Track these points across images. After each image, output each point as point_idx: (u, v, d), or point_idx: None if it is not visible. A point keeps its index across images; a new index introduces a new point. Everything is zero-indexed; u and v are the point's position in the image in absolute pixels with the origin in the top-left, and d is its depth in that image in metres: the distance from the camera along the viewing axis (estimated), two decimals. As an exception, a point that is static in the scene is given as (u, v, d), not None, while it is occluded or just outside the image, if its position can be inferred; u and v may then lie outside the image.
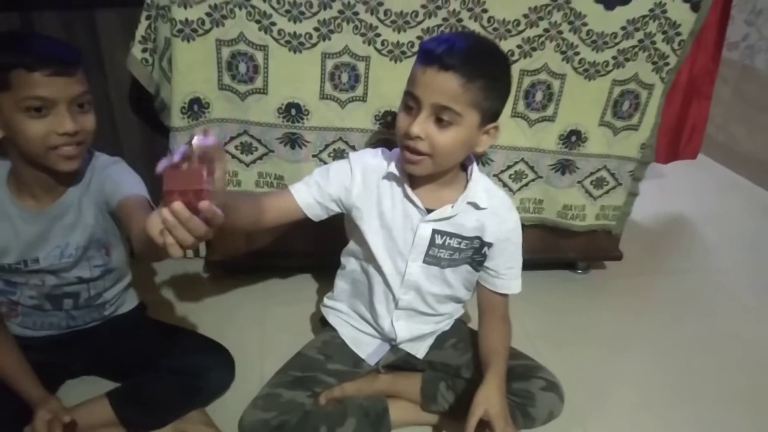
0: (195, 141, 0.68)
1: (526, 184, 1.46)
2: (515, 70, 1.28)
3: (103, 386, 1.14)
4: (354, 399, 1.13)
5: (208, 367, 1.13)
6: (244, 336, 1.35)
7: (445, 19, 1.22)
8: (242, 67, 1.23)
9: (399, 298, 1.10)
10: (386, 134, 1.32)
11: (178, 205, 0.63)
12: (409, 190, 1.02)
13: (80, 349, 1.15)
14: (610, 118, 1.40)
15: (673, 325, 1.54)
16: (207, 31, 1.18)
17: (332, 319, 1.21)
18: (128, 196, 1.00)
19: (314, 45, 1.22)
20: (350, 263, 1.17)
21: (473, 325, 1.21)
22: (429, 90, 0.90)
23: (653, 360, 1.42)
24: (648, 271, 1.78)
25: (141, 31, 1.21)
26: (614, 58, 1.32)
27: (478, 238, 1.06)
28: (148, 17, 1.20)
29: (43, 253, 1.04)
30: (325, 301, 1.24)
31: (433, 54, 0.89)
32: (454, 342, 1.18)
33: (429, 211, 1.03)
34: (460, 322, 1.23)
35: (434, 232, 1.04)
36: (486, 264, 1.10)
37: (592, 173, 1.47)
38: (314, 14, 1.18)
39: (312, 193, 1.06)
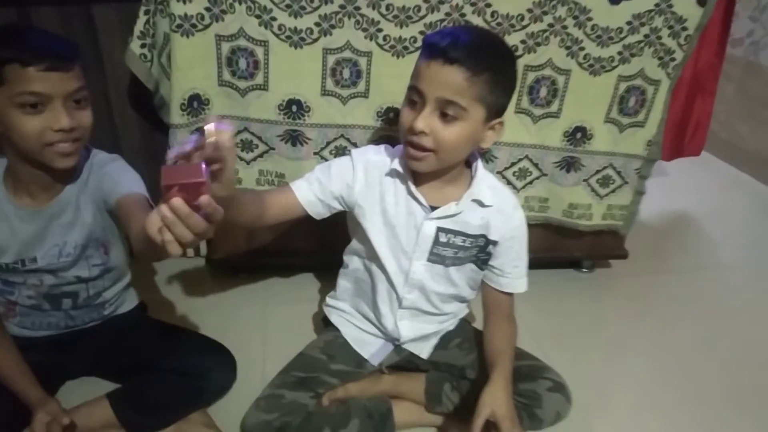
0: (208, 127, 0.66)
1: (531, 182, 1.44)
2: (519, 65, 1.26)
3: (103, 387, 1.13)
4: (357, 400, 1.12)
5: (210, 367, 1.12)
6: (245, 336, 1.34)
7: (448, 14, 1.20)
8: (242, 63, 1.21)
9: (403, 297, 1.09)
10: (389, 131, 1.31)
11: (177, 201, 0.61)
12: (413, 187, 1.01)
13: (80, 350, 1.14)
14: (616, 115, 1.38)
15: (678, 324, 1.53)
16: (206, 26, 1.17)
17: (335, 318, 1.20)
18: (127, 194, 0.99)
19: (315, 40, 1.20)
20: (353, 262, 1.15)
21: (477, 325, 1.19)
22: (433, 84, 0.88)
23: (659, 359, 1.40)
24: (653, 269, 1.76)
25: (139, 26, 1.20)
26: (620, 53, 1.30)
27: (483, 236, 1.04)
28: (146, 12, 1.18)
29: (40, 252, 1.02)
30: (328, 300, 1.23)
31: (438, 47, 0.87)
32: (458, 342, 1.17)
33: (433, 208, 1.02)
34: (465, 322, 1.22)
35: (438, 230, 1.02)
36: (491, 262, 1.08)
37: (598, 171, 1.45)
38: (315, 9, 1.17)
39: (313, 190, 1.04)
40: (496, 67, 0.89)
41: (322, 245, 1.33)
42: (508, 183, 1.42)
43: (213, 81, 1.23)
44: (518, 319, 1.11)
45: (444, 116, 0.90)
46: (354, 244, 1.13)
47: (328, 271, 1.31)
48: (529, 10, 1.22)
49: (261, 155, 1.33)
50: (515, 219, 1.06)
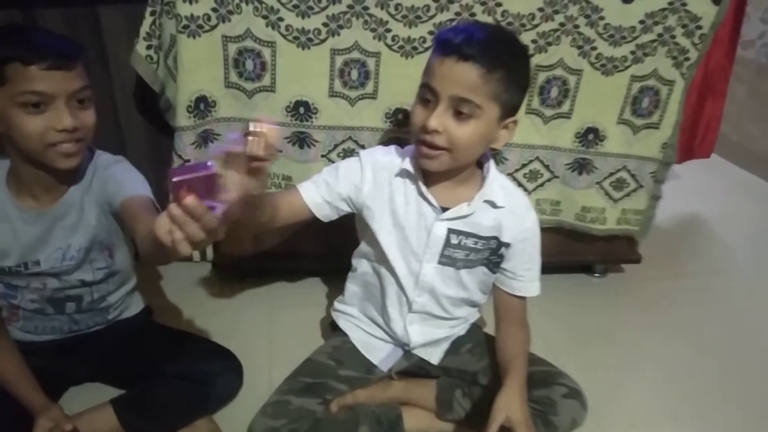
0: (258, 125, 0.65)
1: (542, 184, 1.41)
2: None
3: (107, 393, 1.11)
4: (366, 406, 1.10)
5: (216, 373, 1.10)
6: (252, 341, 1.32)
7: (457, 14, 1.19)
8: (249, 64, 1.20)
9: (413, 301, 1.06)
10: (397, 133, 1.29)
11: (191, 199, 0.59)
12: (423, 188, 0.99)
13: (83, 355, 1.13)
14: (629, 116, 1.35)
15: (694, 329, 1.50)
16: (213, 27, 1.15)
17: (343, 323, 1.18)
18: (132, 196, 0.97)
19: (323, 41, 1.19)
20: (362, 265, 1.13)
21: (489, 330, 1.17)
22: (447, 81, 0.86)
23: (674, 365, 1.38)
24: (667, 274, 1.73)
25: (145, 27, 1.18)
26: (632, 52, 1.28)
27: (495, 238, 1.02)
28: (152, 13, 1.17)
29: (43, 255, 1.01)
30: (336, 305, 1.21)
31: (452, 44, 0.86)
32: (470, 347, 1.14)
33: (444, 209, 0.99)
34: (476, 327, 1.19)
35: (449, 231, 1.00)
36: (503, 265, 1.06)
37: (611, 174, 1.42)
38: (323, 9, 1.16)
39: (321, 192, 1.02)
40: (510, 65, 0.88)
41: (330, 248, 1.31)
42: (519, 185, 1.40)
43: (220, 82, 1.22)
44: (530, 324, 1.09)
45: (458, 114, 0.88)
46: (362, 246, 1.11)
47: (335, 275, 1.30)
48: (540, 9, 1.20)
49: (268, 157, 1.31)
50: (528, 220, 1.04)
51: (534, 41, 1.23)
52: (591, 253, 1.58)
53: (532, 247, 1.06)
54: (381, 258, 1.06)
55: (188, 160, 1.25)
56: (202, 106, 1.22)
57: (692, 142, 1.85)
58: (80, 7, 1.24)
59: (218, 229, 0.62)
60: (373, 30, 1.18)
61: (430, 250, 1.02)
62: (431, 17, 1.18)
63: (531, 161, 1.38)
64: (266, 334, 1.38)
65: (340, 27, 1.18)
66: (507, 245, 1.03)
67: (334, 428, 1.02)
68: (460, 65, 0.85)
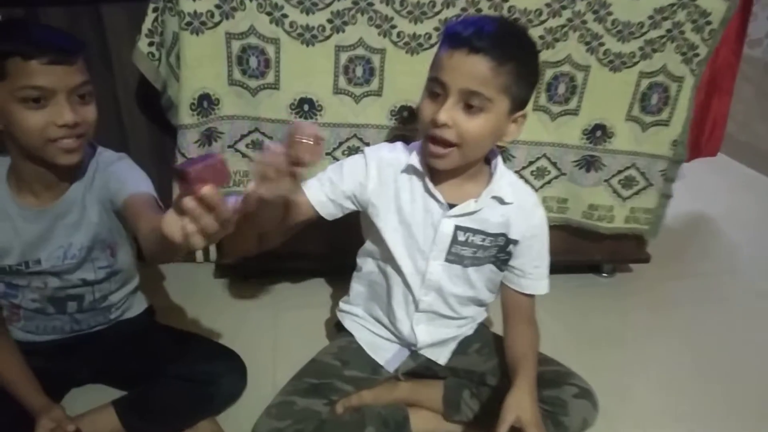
0: (308, 130, 0.67)
1: (549, 182, 1.40)
2: (538, 60, 1.23)
3: (109, 394, 1.10)
4: (372, 407, 1.08)
5: (219, 373, 1.09)
6: (256, 341, 1.31)
7: (463, 9, 1.18)
8: (253, 62, 1.19)
9: (419, 300, 1.05)
10: (403, 130, 1.28)
11: (209, 189, 0.58)
12: (430, 185, 0.97)
13: (85, 355, 1.11)
14: (638, 113, 1.34)
15: (702, 329, 1.49)
16: (216, 24, 1.14)
17: (348, 323, 1.16)
18: (134, 194, 0.96)
19: (327, 37, 1.18)
20: (367, 264, 1.11)
21: (496, 330, 1.15)
22: (457, 74, 0.85)
23: (682, 365, 1.36)
24: (675, 273, 1.72)
25: (147, 23, 1.17)
26: (641, 48, 1.26)
27: (503, 235, 1.01)
28: (155, 9, 1.16)
29: (45, 253, 0.99)
30: (341, 305, 1.19)
31: (461, 37, 0.84)
32: (477, 347, 1.13)
33: (451, 206, 0.98)
34: (484, 327, 1.18)
35: (457, 228, 0.99)
36: (511, 263, 1.04)
37: (620, 171, 1.41)
38: (327, 5, 1.15)
39: (324, 190, 1.00)
40: (520, 58, 0.86)
41: (334, 248, 1.30)
42: (526, 183, 1.38)
43: (223, 80, 1.21)
44: (537, 323, 1.07)
45: (468, 108, 0.86)
46: (368, 245, 1.09)
47: (340, 275, 1.28)
48: (548, 5, 1.19)
49: (272, 156, 1.30)
50: (536, 217, 1.03)
51: (541, 37, 1.22)
52: (599, 251, 1.57)
53: (540, 244, 1.04)
54: (386, 256, 1.04)
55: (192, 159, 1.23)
56: (205, 103, 1.21)
57: (699, 140, 1.82)
58: (83, 5, 1.23)
59: (231, 220, 0.61)
60: (378, 26, 1.17)
61: (437, 247, 1.00)
62: (437, 13, 1.17)
63: (538, 158, 1.36)
64: (270, 334, 1.36)
65: (345, 23, 1.16)
66: (515, 242, 1.02)
67: (339, 429, 1.01)
68: (470, 58, 0.84)
